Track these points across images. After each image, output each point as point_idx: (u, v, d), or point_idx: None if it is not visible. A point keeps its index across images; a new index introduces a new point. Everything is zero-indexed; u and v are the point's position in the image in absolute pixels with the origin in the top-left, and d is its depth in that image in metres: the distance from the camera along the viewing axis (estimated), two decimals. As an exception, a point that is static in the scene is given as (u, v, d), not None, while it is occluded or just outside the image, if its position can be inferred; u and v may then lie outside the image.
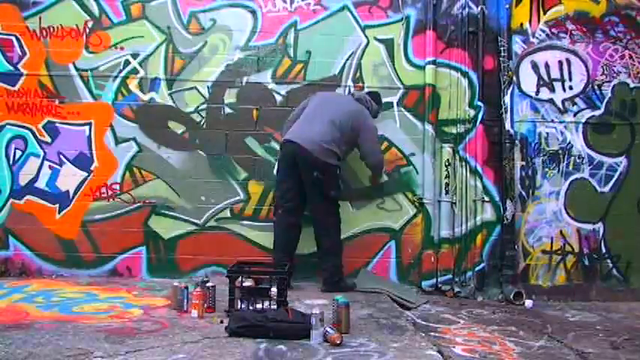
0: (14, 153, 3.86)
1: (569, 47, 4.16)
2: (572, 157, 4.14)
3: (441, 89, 4.03)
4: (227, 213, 3.94)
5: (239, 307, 2.88)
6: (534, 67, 4.14)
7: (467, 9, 4.05)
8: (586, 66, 4.17)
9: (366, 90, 3.92)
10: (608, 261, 4.15)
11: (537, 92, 4.13)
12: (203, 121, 3.95)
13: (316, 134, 3.50)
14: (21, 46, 3.86)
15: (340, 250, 3.71)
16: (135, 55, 3.91)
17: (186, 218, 3.92)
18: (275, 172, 3.83)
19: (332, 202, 3.66)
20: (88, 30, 3.89)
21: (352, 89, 3.95)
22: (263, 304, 2.87)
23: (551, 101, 4.14)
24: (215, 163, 3.95)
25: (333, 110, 3.62)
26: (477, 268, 3.99)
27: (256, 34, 3.99)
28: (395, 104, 4.03)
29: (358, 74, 4.02)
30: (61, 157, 3.88)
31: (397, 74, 4.04)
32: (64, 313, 2.90)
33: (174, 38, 3.93)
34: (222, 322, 2.76)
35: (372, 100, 3.77)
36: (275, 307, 2.85)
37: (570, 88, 4.16)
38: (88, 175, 3.89)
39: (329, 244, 3.65)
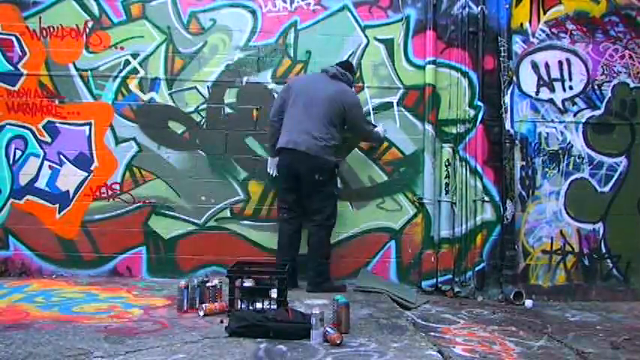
0: (14, 153, 3.87)
1: (569, 47, 4.16)
2: (572, 157, 4.14)
3: (441, 89, 4.03)
4: (227, 213, 3.94)
5: (239, 307, 2.88)
6: (534, 67, 4.14)
7: (467, 9, 4.05)
8: (586, 66, 4.17)
9: (336, 63, 3.77)
10: (608, 261, 4.15)
11: (537, 92, 4.13)
12: (203, 121, 3.95)
13: (310, 136, 3.51)
14: (21, 46, 3.86)
15: (328, 252, 3.71)
16: (135, 55, 3.91)
17: (186, 218, 3.92)
18: (272, 175, 3.82)
19: (332, 203, 3.68)
20: (88, 30, 3.90)
21: (326, 68, 3.73)
22: (263, 304, 2.87)
23: (551, 101, 4.14)
24: (215, 163, 3.95)
25: (316, 101, 3.56)
26: (477, 268, 3.99)
27: (256, 34, 3.99)
28: (395, 104, 4.03)
29: (358, 74, 4.02)
30: (61, 157, 3.89)
31: (397, 74, 4.04)
32: (64, 313, 2.90)
33: (174, 38, 3.93)
34: (222, 322, 2.76)
35: (345, 71, 3.71)
36: (275, 307, 2.85)
37: (570, 88, 4.16)
38: (88, 175, 3.89)
39: (317, 244, 3.65)
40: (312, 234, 3.67)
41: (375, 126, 3.91)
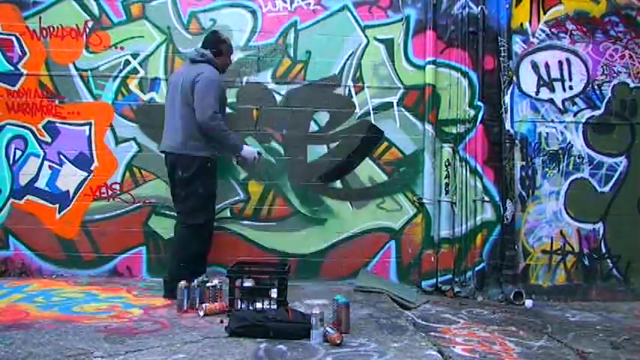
0: (14, 153, 3.86)
1: (569, 47, 4.16)
2: (572, 157, 4.14)
3: (441, 89, 4.03)
4: (227, 213, 3.94)
5: (239, 307, 2.88)
6: (534, 67, 4.14)
7: (467, 9, 4.05)
8: (586, 66, 4.17)
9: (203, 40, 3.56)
10: (608, 261, 4.15)
11: (537, 92, 4.13)
12: (203, 121, 3.95)
13: (174, 132, 3.30)
14: (21, 46, 3.86)
15: (190, 254, 3.31)
16: (135, 55, 3.91)
17: (187, 218, 3.92)
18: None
19: (198, 200, 3.31)
20: (88, 30, 3.89)
21: (187, 52, 3.58)
22: (263, 304, 2.87)
23: (551, 101, 4.14)
24: (215, 163, 3.95)
25: (176, 95, 3.31)
26: (476, 268, 3.99)
27: (256, 34, 3.99)
28: (395, 104, 4.03)
29: (358, 74, 4.02)
30: (61, 157, 3.89)
31: (397, 74, 4.04)
32: (64, 313, 2.90)
33: (174, 38, 3.93)
34: (222, 322, 2.76)
35: (207, 48, 3.44)
36: (275, 307, 2.85)
37: (570, 88, 4.16)
38: (88, 175, 3.89)
39: (177, 245, 3.40)
40: (175, 233, 3.58)
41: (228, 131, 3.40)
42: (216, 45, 3.49)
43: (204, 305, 2.95)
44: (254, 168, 3.81)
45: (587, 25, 4.17)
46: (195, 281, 3.09)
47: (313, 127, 4.00)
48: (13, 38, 3.85)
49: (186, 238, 3.32)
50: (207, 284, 3.05)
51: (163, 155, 3.46)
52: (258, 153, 3.59)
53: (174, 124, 3.34)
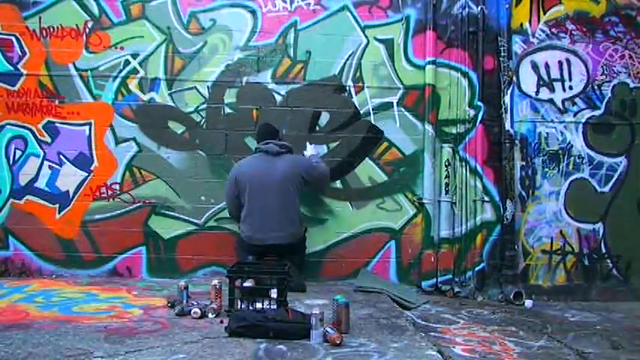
0: (14, 153, 3.86)
1: (569, 47, 4.16)
2: (572, 157, 4.14)
3: (441, 89, 4.03)
4: (227, 213, 3.94)
5: (239, 307, 2.88)
6: (534, 67, 4.13)
7: (467, 9, 4.05)
8: (586, 66, 4.17)
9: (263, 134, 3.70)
10: (608, 261, 4.15)
11: (537, 92, 4.13)
12: (203, 121, 3.95)
13: (281, 228, 3.50)
14: (21, 46, 3.86)
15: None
16: (135, 55, 3.91)
17: (186, 218, 3.92)
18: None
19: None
20: (88, 30, 3.89)
21: (263, 148, 3.63)
22: (263, 304, 2.87)
23: (551, 101, 4.14)
24: (215, 163, 3.95)
25: (271, 189, 3.52)
26: (476, 268, 3.99)
27: (256, 34, 3.99)
28: (395, 104, 4.03)
29: (358, 74, 4.02)
30: (61, 157, 3.89)
31: (397, 74, 4.04)
32: (64, 313, 2.90)
33: (174, 38, 3.93)
34: (222, 322, 2.76)
35: (280, 140, 3.69)
36: (275, 307, 2.85)
37: (570, 88, 4.16)
38: (88, 175, 3.89)
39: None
40: None
41: (315, 156, 3.79)
42: (282, 137, 3.77)
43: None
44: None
45: (587, 25, 4.17)
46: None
47: (313, 127, 4.00)
48: (13, 38, 3.85)
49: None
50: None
51: (258, 245, 3.50)
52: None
53: (273, 217, 3.50)
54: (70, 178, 3.88)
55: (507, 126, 4.01)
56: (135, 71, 3.91)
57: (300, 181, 3.60)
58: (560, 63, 4.15)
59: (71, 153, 3.89)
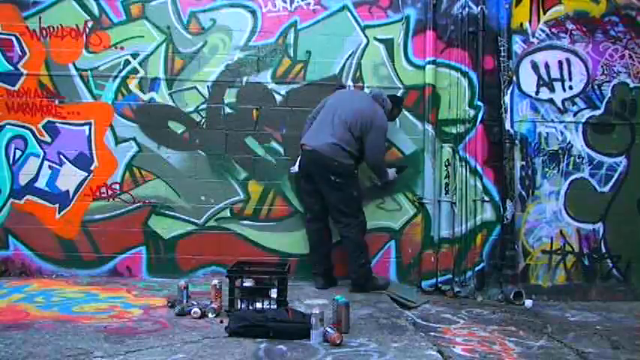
0: (14, 153, 3.86)
1: (569, 47, 4.16)
2: (572, 157, 4.14)
3: (440, 89, 4.03)
4: (227, 213, 3.94)
5: (239, 307, 2.88)
6: (534, 67, 4.13)
7: (467, 9, 4.05)
8: (586, 66, 4.17)
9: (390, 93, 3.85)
10: (608, 261, 4.15)
11: (537, 92, 4.13)
12: (203, 121, 3.95)
13: (328, 136, 3.55)
14: (21, 46, 3.85)
15: (364, 250, 3.70)
16: (135, 55, 3.91)
17: (186, 218, 3.92)
18: (291, 172, 3.87)
19: (353, 204, 3.66)
20: (88, 30, 3.89)
21: (374, 89, 3.86)
22: (263, 304, 2.87)
23: (551, 101, 4.14)
24: (215, 163, 3.95)
25: (343, 110, 3.62)
26: (476, 268, 3.99)
27: (256, 34, 3.98)
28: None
29: (358, 74, 4.02)
30: (61, 157, 3.88)
31: (397, 74, 4.04)
32: (64, 313, 2.90)
33: (174, 38, 3.93)
34: (222, 322, 2.76)
35: (390, 100, 3.76)
36: (275, 307, 2.85)
37: (570, 88, 4.15)
38: (88, 175, 3.89)
39: (351, 247, 3.67)
40: (342, 237, 3.72)
41: (390, 167, 3.89)
42: (395, 104, 3.81)
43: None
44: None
45: (587, 25, 4.17)
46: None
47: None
48: (13, 38, 3.85)
49: (359, 238, 3.66)
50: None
51: (303, 150, 3.64)
52: (397, 171, 3.90)
53: (328, 130, 3.58)
54: (70, 178, 3.88)
55: (507, 126, 4.01)
56: (135, 71, 3.91)
57: (366, 127, 3.59)
58: (560, 63, 4.15)
59: (71, 153, 3.88)
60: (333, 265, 3.82)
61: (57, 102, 3.87)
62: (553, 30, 4.14)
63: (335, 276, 3.81)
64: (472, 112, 4.04)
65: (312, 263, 3.80)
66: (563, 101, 4.14)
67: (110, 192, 3.89)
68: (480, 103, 4.05)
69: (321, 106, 3.75)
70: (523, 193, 4.09)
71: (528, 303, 3.81)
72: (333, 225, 3.77)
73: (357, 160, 3.68)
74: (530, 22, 4.13)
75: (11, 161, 3.86)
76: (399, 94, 3.95)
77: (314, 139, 3.61)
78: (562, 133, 4.14)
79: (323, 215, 3.74)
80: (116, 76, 3.90)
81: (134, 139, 3.91)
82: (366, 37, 4.03)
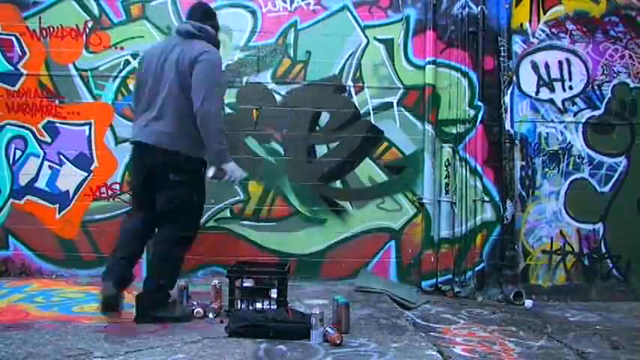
0: (14, 153, 3.86)
1: (569, 47, 4.16)
2: (572, 157, 4.14)
3: (440, 89, 4.03)
4: (227, 213, 3.94)
5: (239, 307, 2.88)
6: (534, 67, 4.13)
7: (467, 9, 4.05)
8: (586, 66, 4.17)
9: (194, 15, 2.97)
10: (608, 261, 4.15)
11: (537, 92, 4.13)
12: (203, 121, 3.94)
13: (160, 124, 2.72)
14: (21, 46, 3.85)
15: (173, 270, 2.90)
16: (135, 55, 3.90)
17: (186, 218, 3.91)
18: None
19: (190, 210, 2.88)
20: (88, 30, 3.89)
21: (178, 26, 2.99)
22: (263, 304, 2.87)
23: (551, 101, 4.14)
24: (215, 163, 3.94)
25: (165, 75, 2.74)
26: (476, 268, 3.99)
27: (256, 34, 3.98)
28: (395, 104, 4.03)
29: (358, 74, 4.02)
30: (61, 157, 3.88)
31: (397, 74, 4.04)
32: (64, 313, 2.90)
33: (174, 38, 3.93)
34: (222, 322, 2.76)
35: (203, 23, 2.88)
36: (275, 307, 2.85)
37: (570, 88, 4.16)
38: (88, 175, 3.89)
39: (160, 259, 2.86)
40: (157, 242, 2.88)
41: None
42: (212, 18, 2.96)
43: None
44: (226, 182, 3.06)
45: (587, 25, 4.17)
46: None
47: (313, 127, 4.00)
48: (13, 38, 3.85)
49: (174, 252, 2.85)
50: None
51: (133, 146, 2.89)
52: (246, 178, 3.50)
53: (156, 113, 2.72)
54: (70, 178, 3.88)
55: (507, 126, 4.01)
56: (135, 71, 3.91)
57: (191, 72, 2.69)
58: (560, 63, 4.15)
59: (71, 153, 3.88)
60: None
61: (57, 102, 3.87)
62: (553, 30, 4.14)
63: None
64: (472, 112, 4.04)
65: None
66: (563, 101, 4.14)
67: (110, 192, 3.89)
68: (479, 103, 4.05)
69: (136, 85, 2.95)
70: (523, 193, 4.09)
71: (528, 303, 3.81)
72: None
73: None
74: (530, 22, 4.13)
75: (11, 161, 3.86)
76: (205, 5, 3.06)
77: (141, 131, 2.80)
78: (562, 133, 4.14)
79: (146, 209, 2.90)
80: (116, 76, 3.90)
81: (134, 139, 3.90)
82: (366, 37, 4.03)
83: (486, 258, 4.02)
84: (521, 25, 4.13)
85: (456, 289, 3.93)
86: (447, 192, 4.01)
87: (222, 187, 3.91)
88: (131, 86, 3.88)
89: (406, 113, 4.04)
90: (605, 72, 4.18)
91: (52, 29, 3.87)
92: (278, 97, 3.99)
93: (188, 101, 2.70)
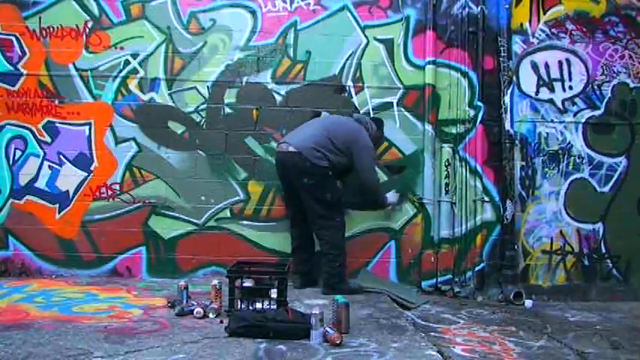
0: (14, 153, 3.86)
1: (569, 47, 4.16)
2: (572, 157, 4.14)
3: (440, 89, 4.03)
4: (227, 213, 3.94)
5: (239, 307, 2.88)
6: (534, 67, 4.13)
7: (467, 9, 4.05)
8: (586, 66, 4.17)
9: (371, 116, 3.91)
10: (608, 261, 4.15)
11: (537, 92, 4.13)
12: (203, 121, 3.95)
13: (305, 137, 3.54)
14: (21, 46, 3.86)
15: (341, 252, 3.61)
16: (135, 55, 3.91)
17: (186, 218, 3.92)
18: None
19: (330, 207, 3.57)
20: (88, 30, 3.89)
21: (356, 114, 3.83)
22: (263, 304, 2.87)
23: (551, 101, 4.14)
24: (215, 163, 3.95)
25: (327, 122, 3.72)
26: (476, 268, 3.99)
27: (256, 34, 3.98)
28: (395, 104, 4.03)
29: (358, 74, 4.02)
30: (61, 157, 3.88)
31: (397, 74, 4.04)
32: (64, 313, 2.90)
33: (174, 38, 3.93)
34: (222, 322, 2.76)
35: (372, 122, 3.75)
36: (275, 307, 2.85)
37: (570, 88, 4.15)
38: (88, 175, 3.89)
39: (327, 247, 3.59)
40: (317, 238, 3.67)
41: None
42: (377, 125, 3.78)
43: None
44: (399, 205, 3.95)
45: (587, 25, 4.17)
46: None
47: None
48: (13, 38, 3.85)
49: (334, 241, 3.59)
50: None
51: (277, 150, 3.65)
52: (401, 195, 3.95)
53: (311, 133, 3.57)
54: (70, 178, 3.88)
55: (507, 126, 4.01)
56: (135, 71, 3.91)
57: (345, 142, 3.55)
58: (560, 63, 4.15)
59: (71, 153, 3.88)
60: (314, 268, 3.75)
61: (57, 102, 3.87)
62: (553, 30, 4.14)
63: (316, 277, 3.76)
64: (472, 113, 4.04)
65: (294, 263, 3.68)
66: (563, 101, 4.14)
67: (110, 192, 3.89)
68: (479, 104, 4.05)
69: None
70: (523, 193, 4.09)
71: (528, 303, 3.81)
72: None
73: (334, 166, 3.55)
74: (530, 22, 4.13)
75: (11, 161, 3.86)
76: (379, 118, 3.90)
77: (290, 139, 3.61)
78: (562, 133, 4.14)
79: (300, 218, 3.69)
80: (116, 77, 3.90)
81: (134, 139, 3.91)
82: (366, 37, 4.03)
83: (486, 258, 4.02)
84: (521, 25, 4.13)
85: (456, 289, 3.93)
86: (446, 192, 4.01)
87: (223, 187, 3.92)
88: (131, 86, 3.90)
89: (406, 113, 4.04)
90: (605, 72, 4.17)
91: (52, 29, 3.87)
92: (278, 97, 3.99)
93: (332, 141, 3.59)
